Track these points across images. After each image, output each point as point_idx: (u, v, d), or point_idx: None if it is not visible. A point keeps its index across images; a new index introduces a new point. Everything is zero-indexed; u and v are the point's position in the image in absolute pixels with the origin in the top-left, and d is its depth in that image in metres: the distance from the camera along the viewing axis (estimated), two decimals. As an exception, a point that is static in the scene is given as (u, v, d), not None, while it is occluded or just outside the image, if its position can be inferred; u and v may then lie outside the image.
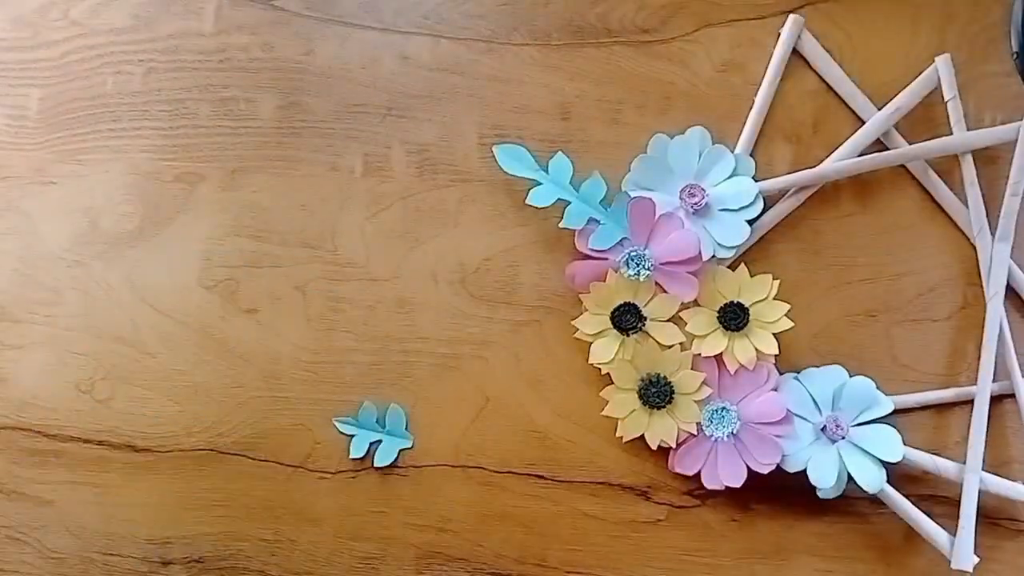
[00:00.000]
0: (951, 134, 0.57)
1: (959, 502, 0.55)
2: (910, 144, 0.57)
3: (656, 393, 0.57)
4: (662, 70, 0.60)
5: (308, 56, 0.62)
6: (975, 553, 0.54)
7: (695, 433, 0.57)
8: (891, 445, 0.55)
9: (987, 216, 0.57)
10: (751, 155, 0.58)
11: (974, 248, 0.57)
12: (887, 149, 0.58)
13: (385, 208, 0.61)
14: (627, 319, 0.57)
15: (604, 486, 0.59)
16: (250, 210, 0.62)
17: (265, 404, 0.61)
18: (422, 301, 0.61)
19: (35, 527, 0.63)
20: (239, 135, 0.62)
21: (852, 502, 0.58)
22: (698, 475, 0.57)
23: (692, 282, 0.57)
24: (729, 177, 0.58)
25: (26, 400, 0.63)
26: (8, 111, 0.64)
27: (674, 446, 0.57)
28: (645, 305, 0.57)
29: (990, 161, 0.57)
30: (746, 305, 0.57)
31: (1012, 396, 0.56)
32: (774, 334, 0.56)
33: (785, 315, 0.56)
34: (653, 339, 0.57)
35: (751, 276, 0.57)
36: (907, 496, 0.56)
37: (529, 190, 0.58)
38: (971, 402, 0.56)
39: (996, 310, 0.56)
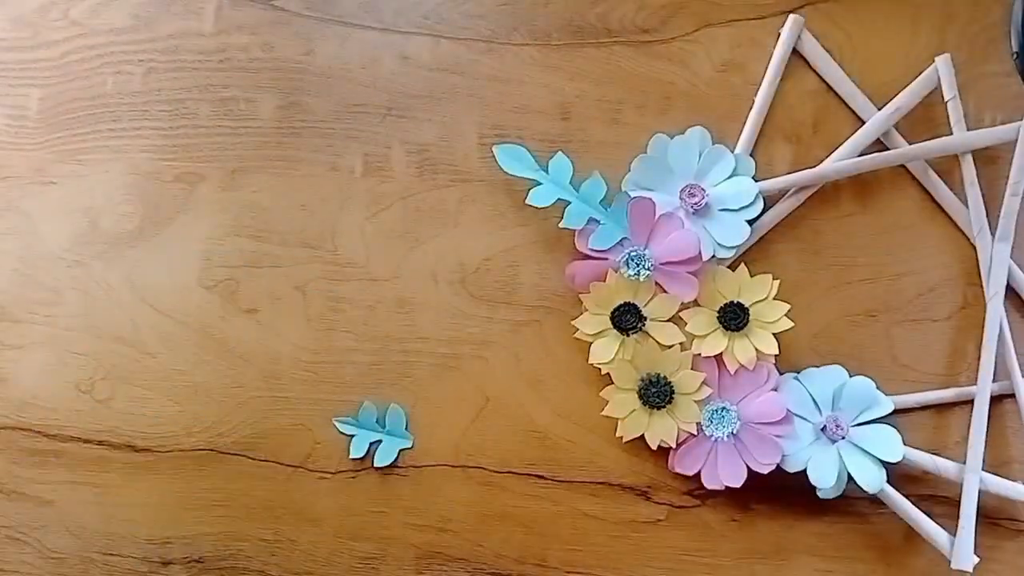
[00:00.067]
0: (951, 134, 0.57)
1: (959, 502, 0.55)
2: (910, 144, 0.57)
3: (656, 393, 0.57)
4: (662, 70, 0.60)
5: (308, 56, 0.62)
6: (975, 553, 0.54)
7: (695, 433, 0.57)
8: (891, 445, 0.55)
9: (987, 216, 0.56)
10: (751, 155, 0.58)
11: (974, 248, 0.57)
12: (887, 149, 0.58)
13: (385, 208, 0.61)
14: (627, 319, 0.57)
15: (604, 486, 0.59)
16: (250, 210, 0.62)
17: (265, 404, 0.61)
18: (422, 301, 0.61)
19: (35, 527, 0.63)
20: (239, 135, 0.62)
21: (852, 502, 0.58)
22: (698, 475, 0.57)
23: (692, 282, 0.57)
24: (729, 177, 0.58)
25: (26, 400, 0.63)
26: (8, 111, 0.64)
27: (674, 446, 0.57)
28: (645, 305, 0.57)
29: (990, 161, 0.57)
30: (746, 305, 0.57)
31: (1012, 396, 0.56)
32: (774, 334, 0.56)
33: (785, 315, 0.56)
34: (653, 339, 0.57)
35: (751, 276, 0.57)
36: (907, 496, 0.56)
37: (529, 190, 0.58)
38: (971, 402, 0.56)
39: (996, 310, 0.56)
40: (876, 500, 0.57)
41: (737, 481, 0.56)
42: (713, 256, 0.57)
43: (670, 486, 0.59)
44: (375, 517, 0.61)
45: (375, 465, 0.60)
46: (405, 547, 0.60)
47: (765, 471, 0.56)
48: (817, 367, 0.57)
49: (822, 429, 0.56)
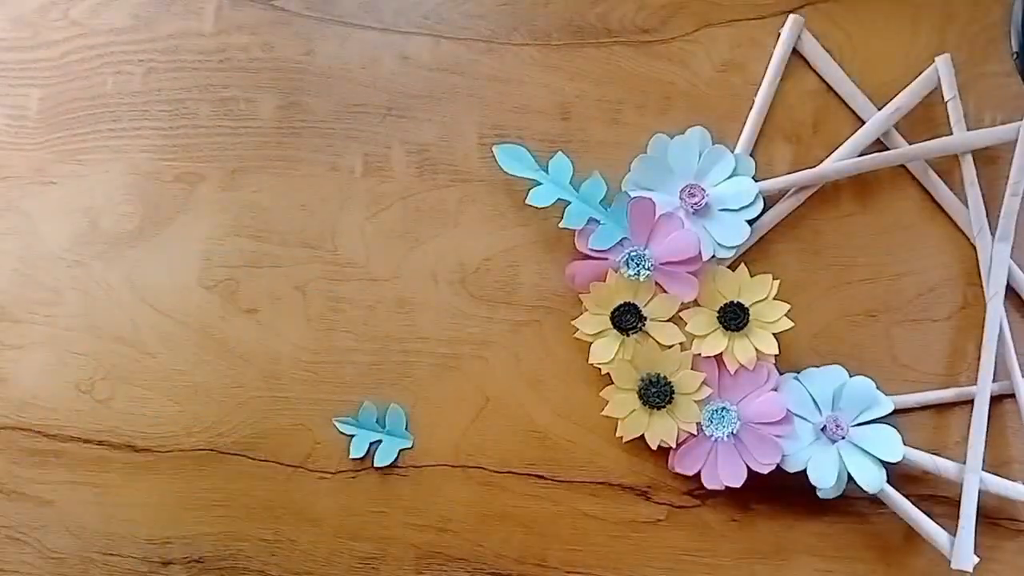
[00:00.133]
0: (951, 134, 0.57)
1: (959, 502, 0.55)
2: (910, 144, 0.57)
3: (656, 393, 0.57)
4: (662, 70, 0.60)
5: (308, 56, 0.62)
6: (975, 553, 0.54)
7: (695, 433, 0.57)
8: (891, 445, 0.55)
9: (987, 216, 0.56)
10: (751, 155, 0.58)
11: (974, 248, 0.57)
12: (887, 149, 0.58)
13: (385, 208, 0.61)
14: (627, 319, 0.57)
15: (604, 486, 0.59)
16: (250, 210, 0.62)
17: (265, 404, 0.61)
18: (422, 301, 0.61)
19: (35, 527, 0.63)
20: (239, 135, 0.62)
21: (852, 502, 0.58)
22: (698, 475, 0.57)
23: (692, 282, 0.57)
24: (729, 177, 0.58)
25: (26, 400, 0.63)
26: (8, 111, 0.64)
27: (674, 446, 0.57)
28: (645, 305, 0.57)
29: (990, 161, 0.57)
30: (746, 305, 0.57)
31: (1012, 396, 0.56)
32: (774, 334, 0.56)
33: (785, 315, 0.56)
34: (653, 339, 0.57)
35: (751, 276, 0.57)
36: (907, 496, 0.56)
37: (529, 190, 0.58)
38: (971, 402, 0.56)
39: (996, 310, 0.56)
40: (876, 500, 0.57)
41: (737, 481, 0.56)
42: (713, 256, 0.57)
43: (670, 486, 0.59)
44: (375, 517, 0.61)
45: (375, 465, 0.60)
46: (405, 547, 0.60)
47: (765, 471, 0.56)
48: (817, 367, 0.57)
49: (822, 429, 0.56)
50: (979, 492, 0.55)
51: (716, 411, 0.56)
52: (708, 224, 0.57)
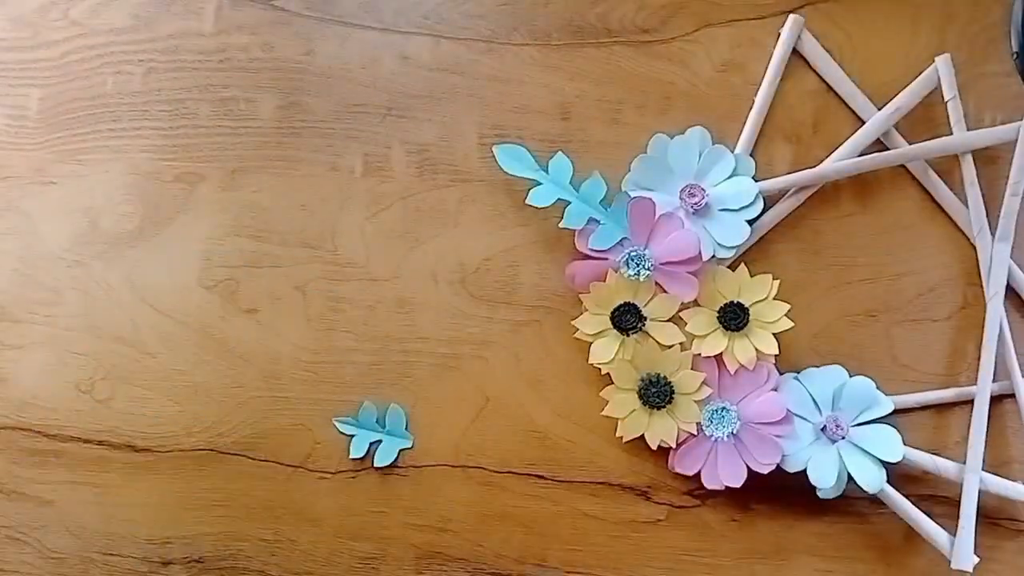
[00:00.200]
0: (951, 134, 0.57)
1: (959, 502, 0.55)
2: (910, 144, 0.57)
3: (656, 393, 0.57)
4: (662, 70, 0.60)
5: (308, 56, 0.62)
6: (975, 553, 0.54)
7: (695, 433, 0.57)
8: (891, 445, 0.55)
9: (987, 216, 0.56)
10: (751, 155, 0.58)
11: (974, 248, 0.57)
12: (887, 149, 0.58)
13: (385, 208, 0.61)
14: (627, 319, 0.57)
15: (604, 486, 0.59)
16: (250, 210, 0.62)
17: (265, 404, 0.61)
18: (422, 301, 0.61)
19: (35, 527, 0.63)
20: (239, 135, 0.62)
21: (852, 502, 0.58)
22: (698, 475, 0.57)
23: (692, 282, 0.57)
24: (729, 177, 0.58)
25: (26, 400, 0.63)
26: (8, 111, 0.64)
27: (674, 446, 0.57)
28: (645, 305, 0.57)
29: (990, 161, 0.57)
30: (746, 305, 0.57)
31: (1012, 396, 0.56)
32: (774, 334, 0.56)
33: (785, 315, 0.56)
34: (653, 339, 0.57)
35: (751, 276, 0.57)
36: (907, 496, 0.56)
37: (529, 190, 0.58)
38: (971, 402, 0.56)
39: (996, 310, 0.56)
40: (876, 500, 0.57)
41: (737, 481, 0.56)
42: (713, 256, 0.57)
43: (670, 486, 0.59)
44: (375, 517, 0.61)
45: (375, 465, 0.60)
46: (405, 547, 0.60)
47: (765, 471, 0.56)
48: (817, 367, 0.57)
49: (822, 429, 0.56)
50: (979, 492, 0.55)
51: (716, 411, 0.56)
52: (708, 224, 0.57)
